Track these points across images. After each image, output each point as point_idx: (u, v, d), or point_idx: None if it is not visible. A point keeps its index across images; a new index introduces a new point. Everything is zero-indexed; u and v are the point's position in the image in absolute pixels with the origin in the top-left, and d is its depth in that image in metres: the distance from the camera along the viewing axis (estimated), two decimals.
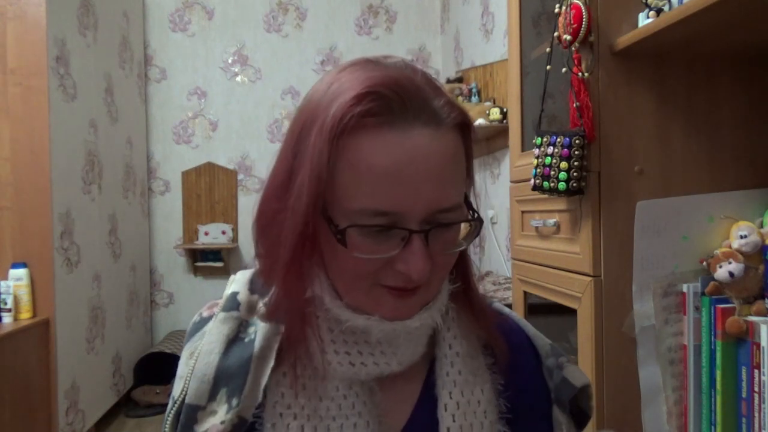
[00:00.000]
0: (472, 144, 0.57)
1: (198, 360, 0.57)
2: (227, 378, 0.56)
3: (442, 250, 0.54)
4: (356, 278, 0.54)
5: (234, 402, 0.55)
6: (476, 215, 0.58)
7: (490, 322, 0.63)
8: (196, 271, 4.18)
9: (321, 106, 0.53)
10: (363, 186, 0.50)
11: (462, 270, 0.63)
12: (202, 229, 4.11)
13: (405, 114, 0.51)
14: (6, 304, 2.46)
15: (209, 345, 0.58)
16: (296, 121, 0.56)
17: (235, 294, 0.62)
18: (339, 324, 0.56)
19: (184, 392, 0.57)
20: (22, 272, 2.51)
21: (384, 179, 0.50)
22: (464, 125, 0.55)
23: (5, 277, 2.50)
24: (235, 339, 0.59)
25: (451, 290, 0.61)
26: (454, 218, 0.54)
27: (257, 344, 0.57)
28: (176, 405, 0.57)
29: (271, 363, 0.57)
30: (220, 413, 0.55)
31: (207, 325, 0.61)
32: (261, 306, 0.61)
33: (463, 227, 0.57)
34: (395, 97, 0.51)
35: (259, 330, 0.58)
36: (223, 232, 4.11)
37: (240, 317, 0.60)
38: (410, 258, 0.51)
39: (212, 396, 0.56)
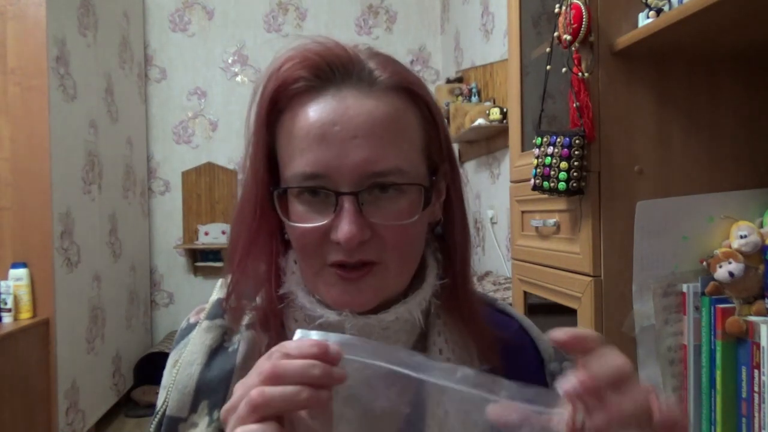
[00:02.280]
0: (431, 112, 0.55)
1: (180, 371, 0.56)
2: (209, 390, 0.55)
3: (384, 220, 0.51)
4: (306, 256, 0.53)
5: (215, 415, 0.53)
6: (429, 185, 0.53)
7: (481, 326, 0.59)
8: (196, 271, 4.18)
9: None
10: (295, 151, 0.51)
11: (449, 265, 0.59)
12: (202, 229, 4.11)
13: (332, 78, 0.51)
14: (6, 304, 2.46)
15: (191, 356, 0.57)
16: None
17: (220, 300, 0.60)
18: (315, 323, 0.54)
19: (165, 403, 0.56)
20: (22, 272, 2.51)
21: (312, 140, 0.50)
22: (407, 89, 0.53)
23: (5, 277, 2.50)
24: (218, 348, 0.57)
25: (436, 287, 0.58)
26: (391, 181, 0.50)
27: (240, 355, 0.56)
28: (158, 415, 0.56)
29: None
30: (201, 426, 0.54)
31: (192, 333, 0.59)
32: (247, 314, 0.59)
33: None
34: (322, 63, 0.51)
35: (242, 339, 0.57)
36: (223, 232, 4.10)
37: (224, 326, 0.58)
38: (339, 223, 0.49)
39: (193, 408, 0.55)
